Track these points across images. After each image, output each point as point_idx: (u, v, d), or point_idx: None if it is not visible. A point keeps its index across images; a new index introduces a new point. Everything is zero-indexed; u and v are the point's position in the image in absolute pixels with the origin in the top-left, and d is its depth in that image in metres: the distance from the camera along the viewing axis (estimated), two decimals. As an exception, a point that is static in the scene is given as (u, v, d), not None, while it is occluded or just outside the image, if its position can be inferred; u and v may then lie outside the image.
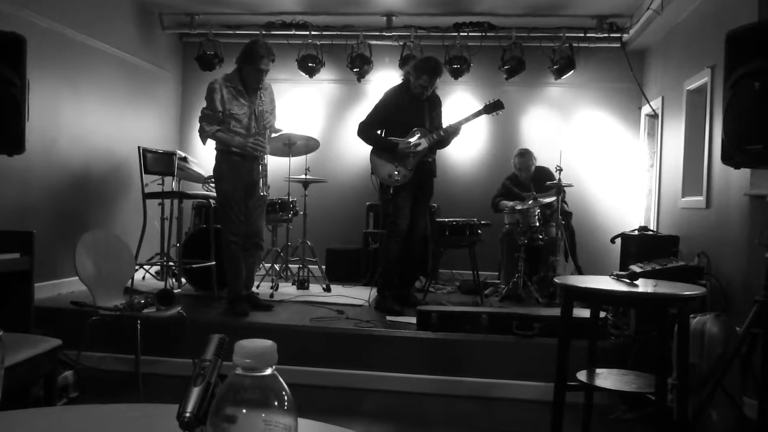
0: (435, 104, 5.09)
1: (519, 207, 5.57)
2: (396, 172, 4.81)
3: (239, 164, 4.61)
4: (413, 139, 4.88)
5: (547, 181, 5.66)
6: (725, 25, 3.12)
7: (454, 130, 4.94)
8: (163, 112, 7.30)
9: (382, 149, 4.92)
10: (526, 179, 6.13)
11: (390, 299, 4.95)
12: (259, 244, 4.87)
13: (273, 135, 5.03)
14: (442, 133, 4.92)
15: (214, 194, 5.67)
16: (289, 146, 5.81)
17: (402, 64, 6.83)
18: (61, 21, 5.26)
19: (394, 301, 4.95)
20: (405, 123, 4.92)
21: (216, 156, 4.70)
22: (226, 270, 4.78)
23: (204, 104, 4.64)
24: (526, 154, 6.27)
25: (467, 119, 4.99)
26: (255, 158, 4.60)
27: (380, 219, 6.61)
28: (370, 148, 5.02)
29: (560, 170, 5.41)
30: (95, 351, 4.18)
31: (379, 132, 5.00)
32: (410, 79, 4.93)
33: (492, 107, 5.11)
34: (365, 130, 4.98)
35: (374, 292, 5.24)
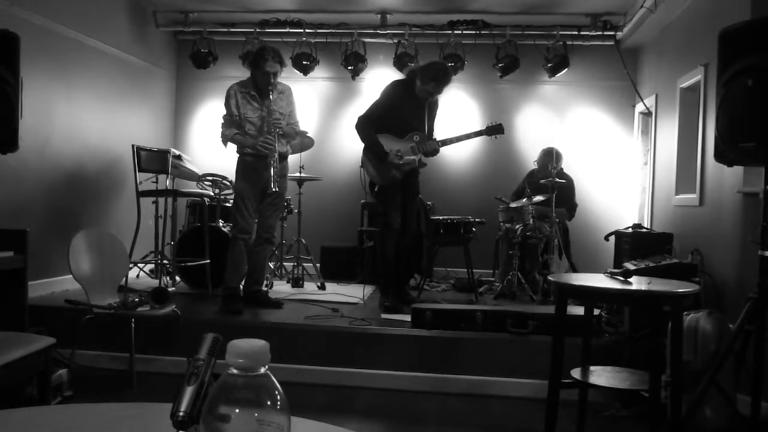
0: (434, 107, 5.05)
1: (513, 205, 5.57)
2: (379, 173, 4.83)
3: (254, 165, 4.73)
4: (409, 146, 4.86)
5: (564, 191, 5.52)
6: (718, 23, 3.13)
7: (449, 143, 4.95)
8: (157, 110, 7.28)
9: (372, 153, 4.88)
10: (543, 178, 5.97)
11: (393, 298, 4.95)
12: (270, 239, 4.93)
13: (299, 138, 5.14)
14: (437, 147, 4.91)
15: (209, 192, 5.70)
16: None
17: (396, 62, 6.84)
18: (54, 18, 5.24)
19: (396, 299, 4.95)
20: (403, 123, 4.88)
21: (237, 157, 4.84)
22: (226, 265, 4.80)
23: (224, 111, 4.80)
24: (547, 154, 6.01)
25: (466, 136, 4.98)
26: (267, 157, 4.67)
27: (376, 217, 6.62)
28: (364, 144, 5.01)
29: (555, 168, 5.42)
30: (89, 349, 4.18)
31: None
32: (417, 81, 4.86)
33: (492, 130, 5.08)
34: (363, 125, 4.89)
35: (369, 289, 5.22)
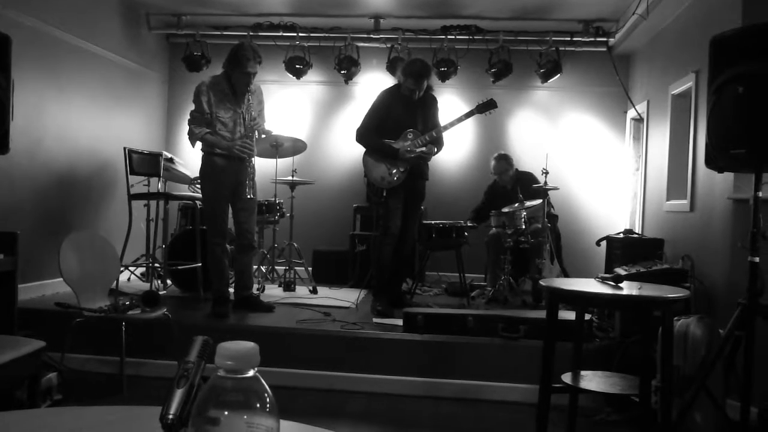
0: (429, 105, 5.05)
1: (506, 210, 5.58)
2: (389, 174, 4.82)
3: (224, 166, 4.61)
4: (409, 142, 4.87)
5: (530, 185, 5.64)
6: (710, 30, 3.15)
7: (445, 130, 4.95)
8: (149, 113, 7.26)
9: (382, 154, 4.89)
10: (507, 185, 6.10)
11: (385, 302, 4.95)
12: (251, 244, 4.84)
13: (262, 136, 5.00)
14: (434, 134, 4.91)
15: (200, 195, 5.68)
16: (276, 148, 5.80)
17: (389, 67, 6.85)
18: (47, 20, 5.22)
19: (388, 303, 4.95)
20: (397, 124, 4.90)
21: (202, 157, 4.70)
22: (209, 271, 4.79)
23: (192, 107, 4.63)
24: (501, 159, 6.20)
25: (458, 120, 5.00)
26: (241, 160, 4.60)
27: (368, 221, 6.63)
28: (358, 150, 5.02)
29: (546, 173, 5.44)
30: (79, 353, 4.15)
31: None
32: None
33: (484, 107, 5.10)
34: (365, 136, 4.94)
35: (362, 294, 5.22)
